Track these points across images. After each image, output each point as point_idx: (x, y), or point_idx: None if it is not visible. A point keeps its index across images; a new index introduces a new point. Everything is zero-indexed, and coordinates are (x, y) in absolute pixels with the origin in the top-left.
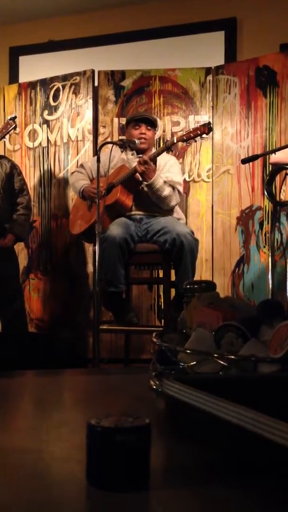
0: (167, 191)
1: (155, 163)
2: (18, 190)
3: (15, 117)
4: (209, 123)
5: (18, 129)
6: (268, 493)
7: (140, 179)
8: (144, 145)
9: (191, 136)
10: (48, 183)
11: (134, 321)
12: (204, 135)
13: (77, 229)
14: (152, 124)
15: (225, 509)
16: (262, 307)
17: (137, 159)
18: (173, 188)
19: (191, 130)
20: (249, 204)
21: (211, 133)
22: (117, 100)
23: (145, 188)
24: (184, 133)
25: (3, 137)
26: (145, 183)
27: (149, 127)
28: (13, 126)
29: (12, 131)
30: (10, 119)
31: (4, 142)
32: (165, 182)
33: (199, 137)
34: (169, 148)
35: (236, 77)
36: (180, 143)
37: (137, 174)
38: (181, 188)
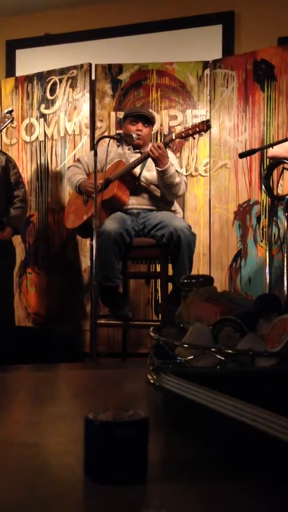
0: (178, 178)
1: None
2: (14, 183)
3: (12, 110)
4: (207, 120)
5: (15, 123)
6: (266, 486)
7: (138, 174)
8: (139, 141)
9: (189, 134)
10: (45, 177)
11: (129, 316)
12: (202, 133)
13: (70, 224)
14: (150, 121)
15: (222, 502)
16: (259, 301)
17: (152, 145)
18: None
19: (190, 127)
20: (247, 198)
21: None
22: (114, 94)
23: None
24: (183, 130)
25: (0, 131)
26: (158, 169)
27: (146, 124)
28: (9, 119)
29: (9, 124)
30: (7, 112)
31: (1, 136)
32: (176, 170)
33: (197, 134)
34: (167, 144)
35: (234, 71)
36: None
37: (135, 170)
38: (185, 180)
